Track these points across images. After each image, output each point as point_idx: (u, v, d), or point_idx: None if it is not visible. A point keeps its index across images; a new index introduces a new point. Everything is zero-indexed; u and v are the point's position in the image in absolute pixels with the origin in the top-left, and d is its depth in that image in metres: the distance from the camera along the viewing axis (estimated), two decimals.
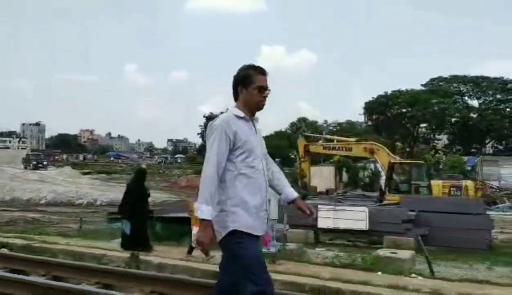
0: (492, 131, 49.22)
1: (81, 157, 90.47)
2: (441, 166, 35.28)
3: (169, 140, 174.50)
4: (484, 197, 25.95)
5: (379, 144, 19.65)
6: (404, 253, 9.94)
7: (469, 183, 18.43)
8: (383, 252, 10.77)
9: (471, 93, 52.38)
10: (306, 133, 21.85)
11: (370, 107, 54.18)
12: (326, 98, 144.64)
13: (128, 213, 8.75)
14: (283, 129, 75.80)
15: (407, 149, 47.72)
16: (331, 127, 76.04)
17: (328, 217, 13.84)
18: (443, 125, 52.48)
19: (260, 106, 3.08)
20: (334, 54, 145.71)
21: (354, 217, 13.84)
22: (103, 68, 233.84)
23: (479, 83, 51.14)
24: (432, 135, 55.37)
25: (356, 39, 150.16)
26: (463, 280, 7.34)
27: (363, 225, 13.44)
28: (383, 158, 18.87)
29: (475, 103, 52.84)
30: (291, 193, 3.20)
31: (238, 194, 2.89)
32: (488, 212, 19.38)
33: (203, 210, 2.78)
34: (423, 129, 55.56)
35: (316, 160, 30.13)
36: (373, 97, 54.24)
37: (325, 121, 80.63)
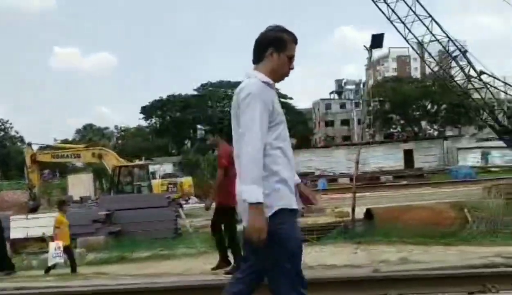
0: None
1: None
2: (203, 164, 38.26)
3: None
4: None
5: (107, 149, 20.39)
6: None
7: (184, 180, 20.57)
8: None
9: None
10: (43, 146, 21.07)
11: (147, 111, 55.45)
12: (125, 102, 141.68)
13: None
14: (69, 138, 71.83)
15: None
16: (116, 133, 75.10)
17: (21, 227, 13.87)
18: (216, 127, 57.04)
19: (284, 77, 2.73)
20: (132, 57, 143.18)
21: (49, 223, 14.16)
22: None
23: None
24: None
25: (150, 42, 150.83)
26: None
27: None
28: (110, 162, 19.58)
29: None
30: (296, 178, 2.84)
31: (280, 169, 2.57)
32: None
33: (254, 191, 2.41)
34: (202, 132, 59.54)
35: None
36: (149, 102, 55.64)
37: (116, 127, 79.33)
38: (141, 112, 56.07)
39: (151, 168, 24.89)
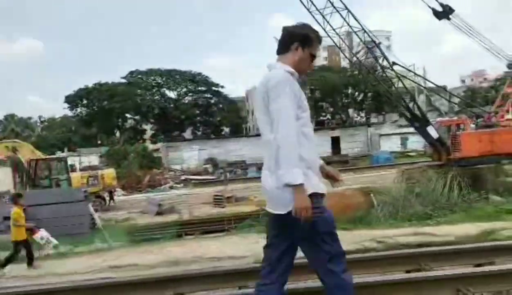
0: (187, 119, 55.15)
1: None
2: (131, 155, 37.29)
3: None
4: (152, 181, 28.87)
5: (22, 142, 19.34)
6: None
7: (106, 172, 19.99)
8: None
9: (168, 85, 57.07)
10: None
11: (72, 101, 53.00)
12: (51, 91, 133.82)
13: None
14: None
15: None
16: (40, 124, 71.22)
17: None
18: (146, 116, 55.73)
19: (304, 73, 2.84)
20: (59, 42, 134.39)
21: None
22: None
23: (173, 76, 56.23)
24: (139, 126, 58.05)
25: (79, 28, 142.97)
26: None
27: None
28: (26, 155, 18.65)
29: (173, 94, 57.94)
30: (320, 161, 2.95)
31: (307, 155, 2.65)
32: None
33: (295, 174, 2.50)
34: (132, 121, 57.87)
35: None
36: (74, 91, 53.12)
37: (40, 117, 75.28)
38: (66, 102, 53.40)
39: (71, 160, 23.85)
